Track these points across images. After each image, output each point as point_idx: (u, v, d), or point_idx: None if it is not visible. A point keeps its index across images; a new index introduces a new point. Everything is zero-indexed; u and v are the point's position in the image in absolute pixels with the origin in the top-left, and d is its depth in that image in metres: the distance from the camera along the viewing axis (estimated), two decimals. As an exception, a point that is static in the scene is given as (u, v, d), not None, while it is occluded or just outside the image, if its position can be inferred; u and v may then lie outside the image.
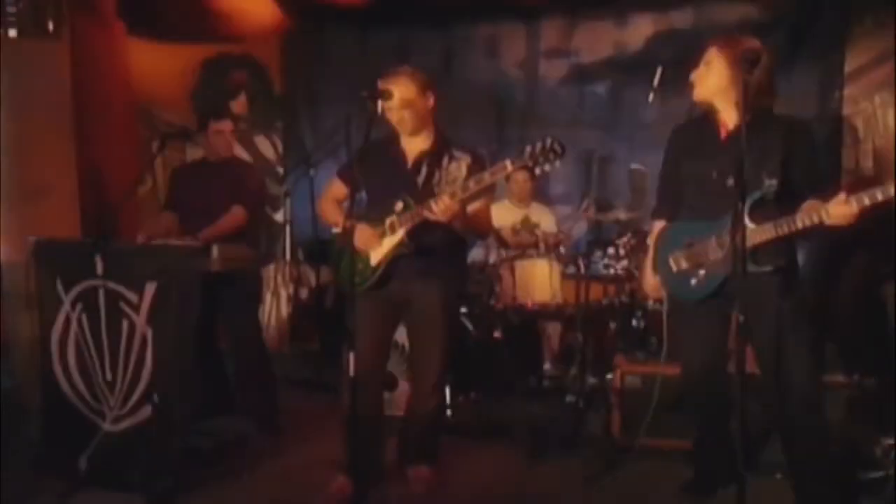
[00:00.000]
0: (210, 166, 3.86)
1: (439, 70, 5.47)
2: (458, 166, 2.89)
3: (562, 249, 4.60)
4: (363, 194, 3.11)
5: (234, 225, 3.69)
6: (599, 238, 4.58)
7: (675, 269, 2.73)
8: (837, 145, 4.94)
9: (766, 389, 2.68)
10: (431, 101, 2.98)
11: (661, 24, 5.29)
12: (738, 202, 2.35)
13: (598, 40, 5.44)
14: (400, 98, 2.87)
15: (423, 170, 2.96)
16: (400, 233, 2.89)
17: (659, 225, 2.90)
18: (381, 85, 2.89)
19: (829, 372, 3.21)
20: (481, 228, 3.15)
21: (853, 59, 4.99)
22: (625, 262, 4.30)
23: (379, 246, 2.94)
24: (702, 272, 2.65)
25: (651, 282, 2.89)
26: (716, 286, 2.62)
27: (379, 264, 2.94)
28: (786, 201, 2.50)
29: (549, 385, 4.55)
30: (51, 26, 4.08)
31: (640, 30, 5.33)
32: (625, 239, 4.32)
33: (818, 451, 2.62)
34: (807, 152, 2.61)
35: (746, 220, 2.42)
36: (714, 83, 2.63)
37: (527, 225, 4.82)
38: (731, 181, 2.49)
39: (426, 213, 2.79)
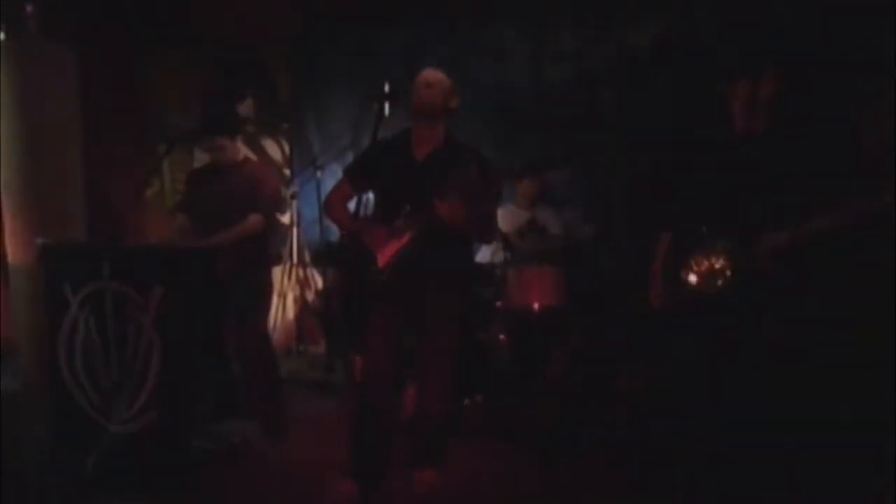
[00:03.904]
0: (226, 171, 3.85)
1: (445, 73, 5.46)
2: (467, 169, 2.89)
3: (567, 252, 4.59)
4: (370, 195, 3.11)
5: (249, 233, 3.70)
6: (605, 241, 4.58)
7: (694, 277, 2.73)
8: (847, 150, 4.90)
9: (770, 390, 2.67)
10: (455, 105, 3.00)
11: (668, 26, 5.27)
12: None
13: (604, 43, 5.42)
14: (433, 99, 2.89)
15: (432, 171, 2.95)
16: (407, 234, 2.90)
17: (666, 236, 2.89)
18: (410, 84, 2.90)
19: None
20: (487, 232, 3.15)
21: (861, 59, 4.95)
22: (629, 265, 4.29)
23: (386, 247, 2.94)
24: (720, 280, 2.65)
25: (660, 292, 2.87)
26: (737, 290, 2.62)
27: (386, 266, 2.94)
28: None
29: (554, 388, 4.54)
30: (59, 29, 4.10)
31: (647, 32, 5.31)
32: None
33: (824, 454, 2.61)
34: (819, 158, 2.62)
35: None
36: None
37: (533, 228, 4.81)
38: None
39: (433, 215, 2.79)
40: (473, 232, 3.01)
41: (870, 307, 2.94)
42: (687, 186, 2.85)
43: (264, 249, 3.91)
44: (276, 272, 5.54)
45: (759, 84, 2.58)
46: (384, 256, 2.94)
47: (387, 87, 2.94)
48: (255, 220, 3.70)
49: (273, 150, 6.16)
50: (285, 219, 5.87)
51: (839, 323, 2.74)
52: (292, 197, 5.63)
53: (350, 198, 3.13)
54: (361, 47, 5.87)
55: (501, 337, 4.41)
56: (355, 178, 3.12)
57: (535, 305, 4.32)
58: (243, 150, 4.12)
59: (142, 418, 3.05)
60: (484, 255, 4.80)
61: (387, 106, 2.90)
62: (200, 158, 5.05)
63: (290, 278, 5.68)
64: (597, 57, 5.32)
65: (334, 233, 5.10)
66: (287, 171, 6.10)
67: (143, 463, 3.01)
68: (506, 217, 4.72)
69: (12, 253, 3.89)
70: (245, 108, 6.08)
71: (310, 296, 5.76)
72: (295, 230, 5.71)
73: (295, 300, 5.79)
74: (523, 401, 4.20)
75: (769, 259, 2.52)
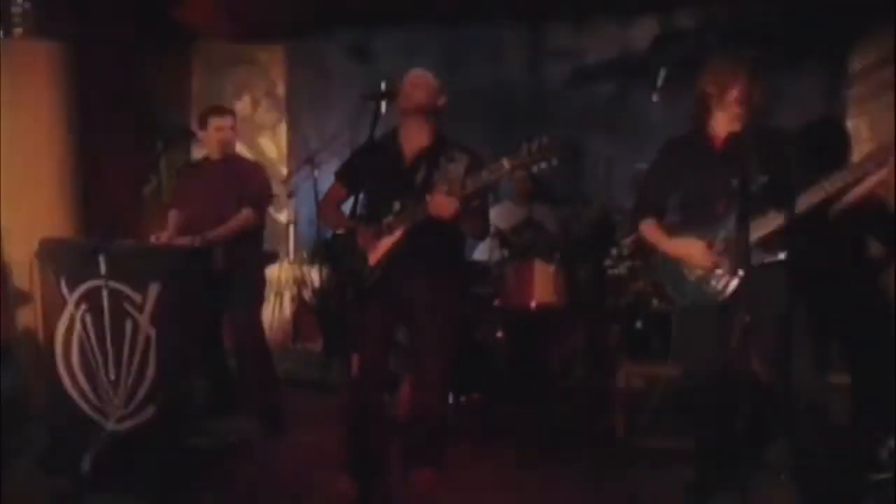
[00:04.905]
0: (215, 164, 3.86)
1: (442, 72, 5.45)
2: (456, 165, 2.89)
3: (565, 250, 4.59)
4: (362, 194, 3.11)
5: (243, 227, 3.71)
6: (603, 238, 4.58)
7: (690, 275, 2.73)
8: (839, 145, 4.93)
9: (770, 388, 2.68)
10: (442, 103, 3.00)
11: (666, 25, 5.28)
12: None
13: (602, 41, 5.43)
14: (421, 99, 2.90)
15: (422, 169, 2.96)
16: (398, 232, 2.90)
17: (653, 222, 2.89)
18: (398, 84, 2.91)
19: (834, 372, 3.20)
20: (479, 227, 3.15)
21: (859, 59, 4.98)
22: (628, 263, 4.29)
23: (377, 246, 2.94)
24: (717, 273, 2.66)
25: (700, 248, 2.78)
26: (729, 286, 2.63)
27: (377, 264, 2.94)
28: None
29: (552, 386, 4.54)
30: (55, 27, 4.10)
31: (644, 31, 5.33)
32: (629, 239, 4.31)
33: (823, 451, 2.62)
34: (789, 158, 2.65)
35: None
36: None
37: (530, 225, 4.81)
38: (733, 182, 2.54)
39: (424, 212, 2.80)
40: (465, 227, 3.02)
41: (866, 293, 2.97)
42: (681, 188, 2.87)
43: (259, 245, 3.92)
44: (273, 270, 5.54)
45: (748, 85, 2.61)
46: (375, 254, 2.94)
47: (384, 86, 2.94)
48: (246, 214, 3.72)
49: (269, 148, 6.16)
50: (282, 217, 5.87)
51: (837, 314, 2.77)
52: (289, 195, 5.63)
53: (343, 200, 3.15)
54: (359, 46, 5.87)
55: (499, 335, 4.41)
56: (346, 180, 3.13)
57: (533, 303, 4.33)
58: (238, 144, 4.13)
59: (139, 416, 3.05)
60: (481, 252, 4.80)
61: (384, 105, 2.90)
62: (198, 155, 5.05)
63: (286, 276, 5.68)
64: (594, 56, 5.34)
65: (330, 231, 5.10)
66: (284, 170, 6.10)
67: (140, 461, 3.01)
68: (502, 214, 4.73)
69: (9, 251, 3.89)
70: (242, 106, 6.08)
71: (307, 294, 5.76)
72: (292, 228, 5.70)
73: (292, 299, 5.79)
74: (521, 399, 4.21)
75: (766, 246, 2.54)
